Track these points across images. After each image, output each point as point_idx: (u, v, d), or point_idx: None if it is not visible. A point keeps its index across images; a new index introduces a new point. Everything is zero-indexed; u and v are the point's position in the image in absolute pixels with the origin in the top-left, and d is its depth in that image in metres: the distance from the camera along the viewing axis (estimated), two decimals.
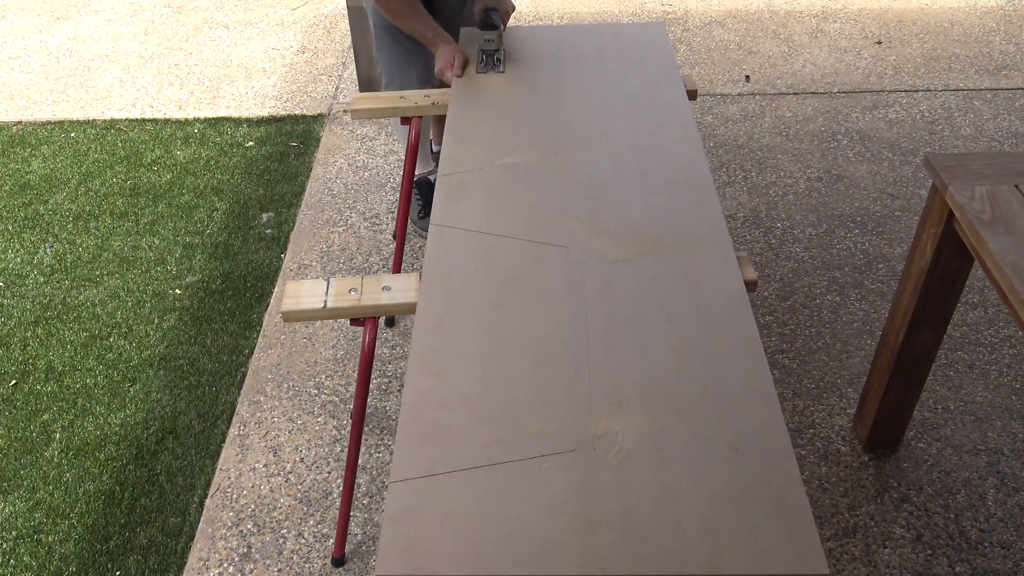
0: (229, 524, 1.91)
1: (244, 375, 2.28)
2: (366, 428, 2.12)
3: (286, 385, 2.24)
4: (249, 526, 1.91)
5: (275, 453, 2.07)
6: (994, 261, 1.41)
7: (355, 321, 1.56)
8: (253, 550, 1.86)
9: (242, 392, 2.23)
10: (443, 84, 2.24)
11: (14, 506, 1.98)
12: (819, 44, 3.90)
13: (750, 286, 1.55)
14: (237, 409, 2.18)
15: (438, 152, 2.92)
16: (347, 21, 4.07)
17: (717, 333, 1.34)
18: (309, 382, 2.25)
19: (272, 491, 1.98)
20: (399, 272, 2.37)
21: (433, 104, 2.10)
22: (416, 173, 2.72)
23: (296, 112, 3.44)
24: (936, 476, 1.98)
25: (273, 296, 2.54)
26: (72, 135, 3.34)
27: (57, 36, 4.12)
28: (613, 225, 1.58)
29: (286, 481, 2.00)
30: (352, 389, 2.22)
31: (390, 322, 2.44)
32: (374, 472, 2.02)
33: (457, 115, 1.92)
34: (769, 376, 1.26)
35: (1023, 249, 1.42)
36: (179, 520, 1.94)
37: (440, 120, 2.68)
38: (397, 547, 1.05)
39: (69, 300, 2.55)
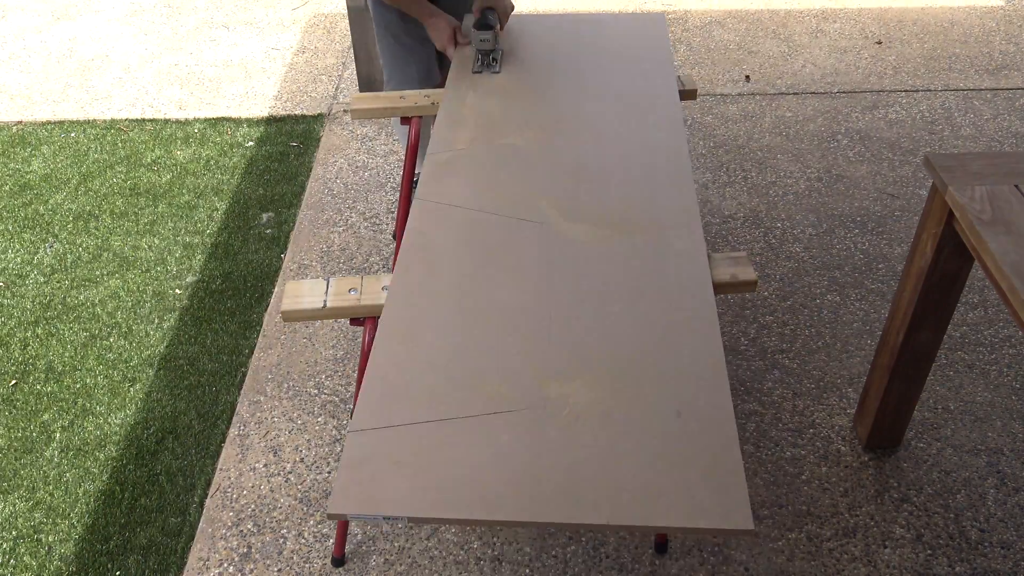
0: (229, 524, 1.91)
1: (244, 375, 2.28)
2: None
3: (286, 385, 2.24)
4: (249, 526, 1.91)
5: (275, 453, 2.07)
6: (994, 261, 1.41)
7: (355, 321, 1.57)
8: (253, 550, 1.86)
9: (242, 392, 2.23)
10: (440, 84, 2.27)
11: (14, 506, 1.98)
12: (819, 44, 3.90)
13: (750, 286, 1.55)
14: (237, 409, 2.18)
15: None
16: (347, 21, 4.07)
17: (676, 310, 1.40)
18: (309, 382, 2.25)
19: (272, 491, 1.98)
20: None
21: (433, 104, 2.10)
22: (416, 173, 2.71)
23: (296, 112, 3.44)
24: (936, 476, 1.98)
25: (273, 296, 2.54)
26: (72, 135, 3.34)
27: (57, 36, 4.12)
28: (589, 206, 1.64)
29: (286, 481, 2.00)
30: (352, 389, 2.22)
31: None
32: None
33: (451, 99, 1.98)
34: (720, 348, 1.32)
35: (1023, 249, 1.42)
36: (179, 520, 1.94)
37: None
38: (347, 491, 1.12)
39: (69, 300, 2.55)
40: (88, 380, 2.28)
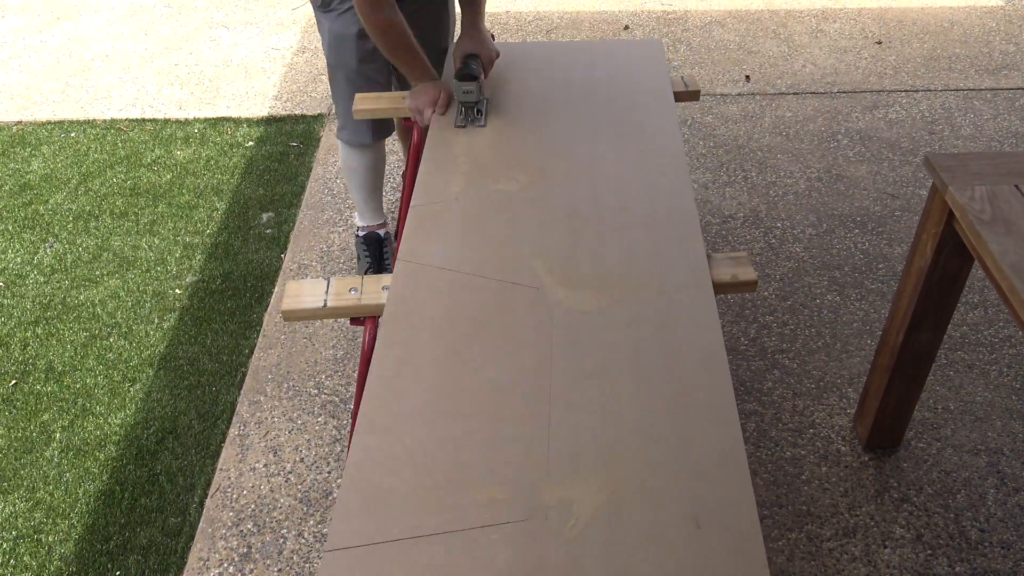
0: (229, 524, 1.91)
1: (244, 375, 2.28)
2: None
3: (286, 385, 2.24)
4: (249, 526, 1.91)
5: (275, 453, 2.07)
6: (994, 261, 1.41)
7: (355, 320, 1.56)
8: (253, 550, 1.86)
9: (242, 392, 2.23)
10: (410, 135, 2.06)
11: (14, 506, 1.98)
12: (819, 44, 3.90)
13: (750, 286, 1.55)
14: (237, 409, 2.18)
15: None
16: None
17: (689, 391, 1.25)
18: (309, 382, 2.25)
19: (272, 491, 1.98)
20: None
21: None
22: (362, 226, 2.54)
23: (296, 112, 3.44)
24: (936, 476, 1.98)
25: (273, 296, 2.54)
26: (72, 135, 3.34)
27: (57, 36, 4.11)
28: (588, 265, 1.50)
29: (286, 481, 2.00)
30: (352, 389, 2.22)
31: None
32: None
33: (436, 144, 1.85)
34: (741, 441, 1.18)
35: (1023, 249, 1.42)
36: (179, 520, 1.94)
37: (408, 142, 2.44)
38: None
39: (69, 300, 2.55)
40: (88, 380, 2.28)
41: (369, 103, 2.08)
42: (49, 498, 1.99)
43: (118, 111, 3.49)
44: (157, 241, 2.77)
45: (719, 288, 1.54)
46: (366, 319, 1.56)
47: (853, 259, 2.63)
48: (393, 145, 3.20)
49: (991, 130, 3.26)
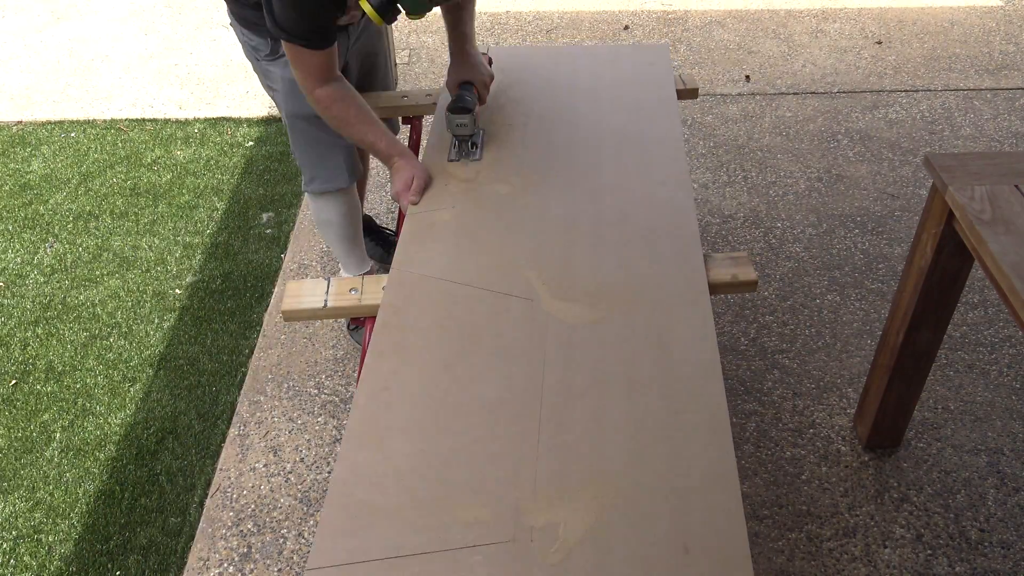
0: (229, 524, 1.91)
1: (244, 375, 2.28)
2: None
3: (286, 385, 2.24)
4: (249, 526, 1.91)
5: (275, 453, 2.07)
6: (994, 261, 1.41)
7: (355, 320, 1.56)
8: (253, 550, 1.86)
9: (242, 392, 2.23)
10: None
11: (14, 506, 1.98)
12: (819, 44, 3.90)
13: (750, 286, 1.55)
14: (237, 409, 2.18)
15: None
16: None
17: (682, 412, 1.22)
18: (309, 382, 2.25)
19: (272, 491, 1.98)
20: None
21: (435, 104, 2.10)
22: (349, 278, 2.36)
23: None
24: (936, 476, 1.98)
25: (273, 296, 2.54)
26: (72, 135, 3.34)
27: (57, 36, 4.11)
28: (583, 277, 1.47)
29: (286, 481, 2.00)
30: (352, 389, 2.22)
31: None
32: None
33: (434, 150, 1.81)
34: (734, 465, 1.15)
35: (1023, 249, 1.42)
36: (179, 520, 1.94)
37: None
38: None
39: (69, 300, 2.55)
40: (88, 380, 2.28)
41: (369, 102, 2.07)
42: (49, 498, 1.99)
43: (118, 111, 3.49)
44: (157, 241, 2.77)
45: (719, 288, 1.53)
46: (366, 319, 1.56)
47: (853, 259, 2.63)
48: None
49: (991, 130, 3.26)
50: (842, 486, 1.96)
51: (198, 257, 2.70)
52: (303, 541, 1.87)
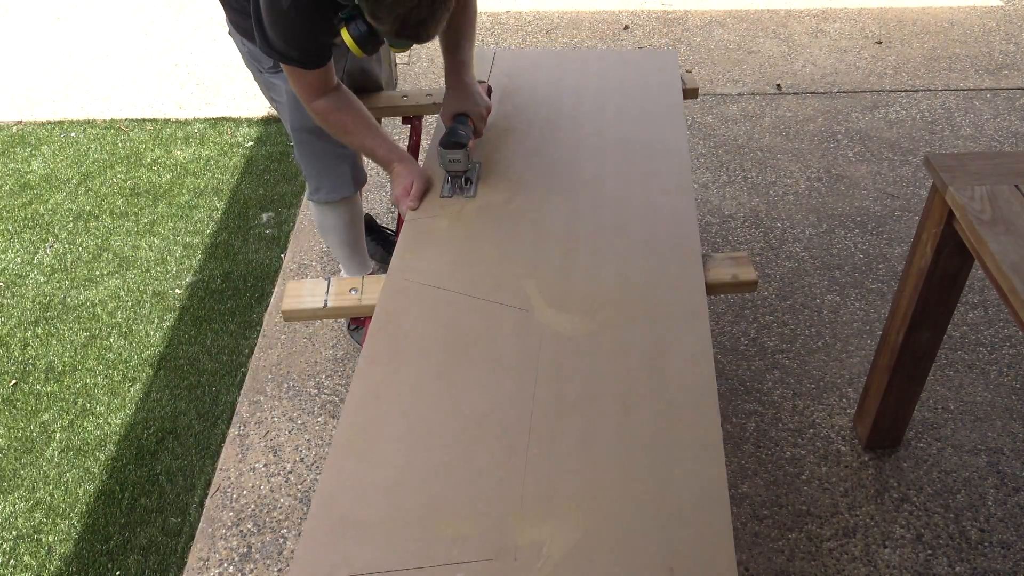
0: (229, 524, 1.91)
1: (244, 375, 2.28)
2: None
3: (286, 385, 2.24)
4: (249, 526, 1.91)
5: (275, 453, 2.07)
6: (994, 261, 1.41)
7: (356, 320, 1.56)
8: (253, 550, 1.86)
9: (242, 392, 2.23)
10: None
11: (14, 506, 1.98)
12: (819, 44, 3.90)
13: (750, 286, 1.55)
14: (237, 409, 2.18)
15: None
16: None
17: (675, 429, 1.20)
18: (309, 382, 2.25)
19: (272, 491, 1.98)
20: None
21: (435, 104, 2.10)
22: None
23: None
24: (936, 476, 1.98)
25: (273, 296, 2.54)
26: (72, 135, 3.34)
27: (57, 36, 4.11)
28: (580, 287, 1.45)
29: (286, 481, 2.00)
30: None
31: None
32: None
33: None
34: (725, 485, 1.12)
35: (1023, 249, 1.42)
36: (179, 520, 1.94)
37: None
38: None
39: (69, 300, 2.55)
40: (88, 380, 2.28)
41: (371, 102, 2.08)
42: (49, 498, 1.99)
43: (118, 111, 3.49)
44: (157, 241, 2.77)
45: (719, 288, 1.53)
46: (366, 319, 1.56)
47: (853, 259, 2.63)
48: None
49: (991, 130, 3.26)
50: (842, 486, 1.96)
51: (198, 257, 2.70)
52: None
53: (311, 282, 1.56)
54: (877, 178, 2.99)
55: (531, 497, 1.11)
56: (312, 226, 2.79)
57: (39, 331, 2.44)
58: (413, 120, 2.21)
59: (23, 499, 1.99)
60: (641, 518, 1.09)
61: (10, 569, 1.85)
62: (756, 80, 3.59)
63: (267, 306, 2.51)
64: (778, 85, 3.55)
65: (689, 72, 2.29)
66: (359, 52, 1.52)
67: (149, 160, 3.18)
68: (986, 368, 2.25)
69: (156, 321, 2.46)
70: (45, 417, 2.18)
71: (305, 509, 1.94)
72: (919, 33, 3.98)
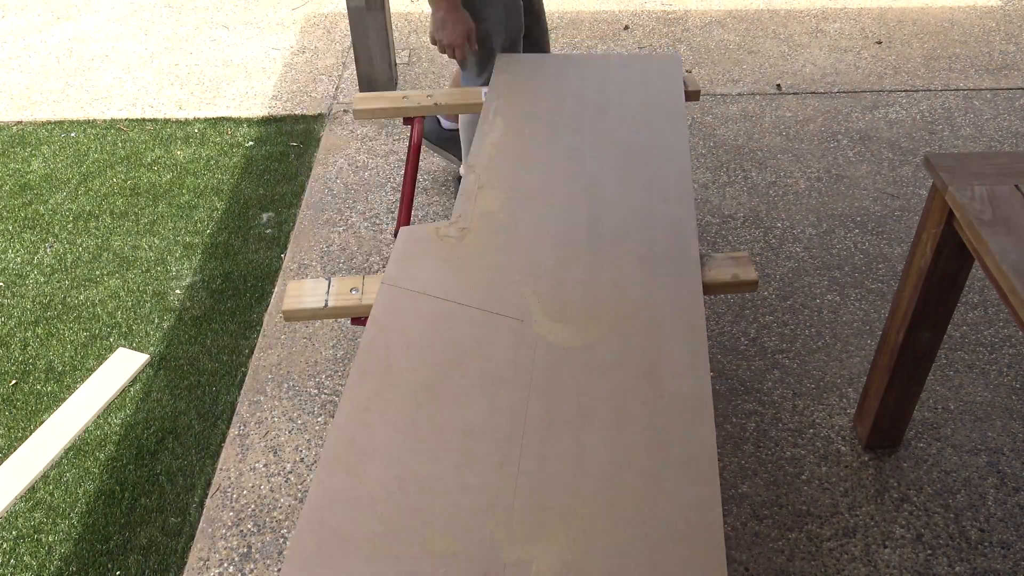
0: (229, 524, 1.91)
1: (244, 375, 2.28)
2: None
3: (286, 385, 2.24)
4: (249, 526, 1.91)
5: (275, 453, 2.07)
6: (994, 261, 1.41)
7: (356, 320, 1.56)
8: (253, 550, 1.86)
9: (242, 392, 2.23)
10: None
11: (14, 506, 1.98)
12: (819, 44, 3.90)
13: (750, 286, 1.55)
14: (237, 409, 2.18)
15: (449, 130, 2.89)
16: (347, 21, 4.07)
17: (669, 445, 1.19)
18: (309, 382, 2.25)
19: (272, 491, 1.98)
20: None
21: (436, 104, 2.10)
22: (459, 172, 2.76)
23: (296, 112, 3.44)
24: (936, 476, 1.98)
25: (273, 296, 2.54)
26: (72, 135, 3.34)
27: (57, 36, 4.11)
28: (576, 297, 1.44)
29: (286, 481, 2.00)
30: None
31: None
32: None
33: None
34: (719, 504, 1.12)
35: (1023, 249, 1.42)
36: (179, 520, 1.94)
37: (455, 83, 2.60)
38: None
39: (69, 300, 2.55)
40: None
41: (370, 103, 2.08)
42: (49, 498, 1.99)
43: (118, 111, 3.49)
44: (157, 241, 2.77)
45: (720, 288, 1.53)
46: (367, 319, 1.56)
47: (853, 259, 2.63)
48: (393, 145, 3.20)
49: (991, 130, 3.26)
50: (842, 486, 1.96)
51: (198, 257, 2.70)
52: None
53: (311, 282, 1.56)
54: (877, 178, 2.99)
55: (521, 515, 1.11)
56: (312, 226, 2.79)
57: (39, 331, 2.44)
58: (413, 120, 2.21)
59: (23, 499, 1.99)
60: (632, 540, 1.08)
61: (10, 569, 1.85)
62: (756, 80, 3.60)
63: (267, 306, 2.51)
64: (778, 85, 3.55)
65: (689, 72, 2.29)
66: None
67: (149, 160, 3.18)
68: (986, 368, 2.25)
69: (156, 321, 2.46)
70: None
71: None
72: (919, 33, 3.98)
